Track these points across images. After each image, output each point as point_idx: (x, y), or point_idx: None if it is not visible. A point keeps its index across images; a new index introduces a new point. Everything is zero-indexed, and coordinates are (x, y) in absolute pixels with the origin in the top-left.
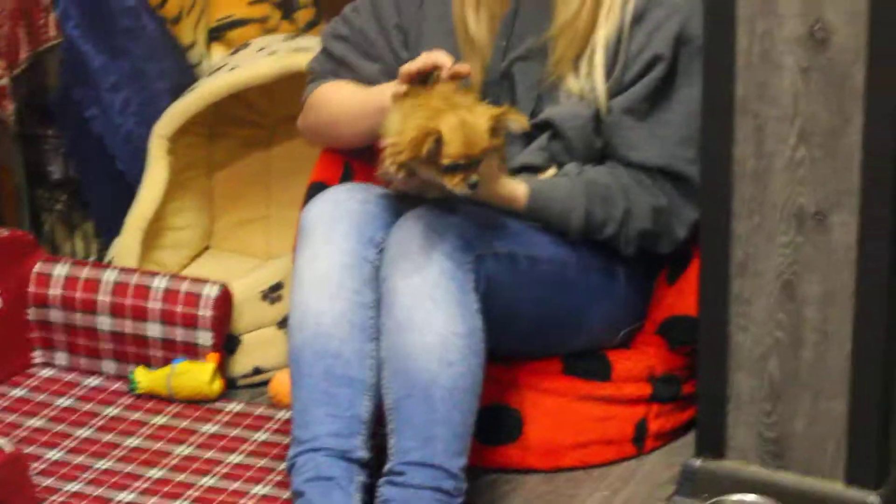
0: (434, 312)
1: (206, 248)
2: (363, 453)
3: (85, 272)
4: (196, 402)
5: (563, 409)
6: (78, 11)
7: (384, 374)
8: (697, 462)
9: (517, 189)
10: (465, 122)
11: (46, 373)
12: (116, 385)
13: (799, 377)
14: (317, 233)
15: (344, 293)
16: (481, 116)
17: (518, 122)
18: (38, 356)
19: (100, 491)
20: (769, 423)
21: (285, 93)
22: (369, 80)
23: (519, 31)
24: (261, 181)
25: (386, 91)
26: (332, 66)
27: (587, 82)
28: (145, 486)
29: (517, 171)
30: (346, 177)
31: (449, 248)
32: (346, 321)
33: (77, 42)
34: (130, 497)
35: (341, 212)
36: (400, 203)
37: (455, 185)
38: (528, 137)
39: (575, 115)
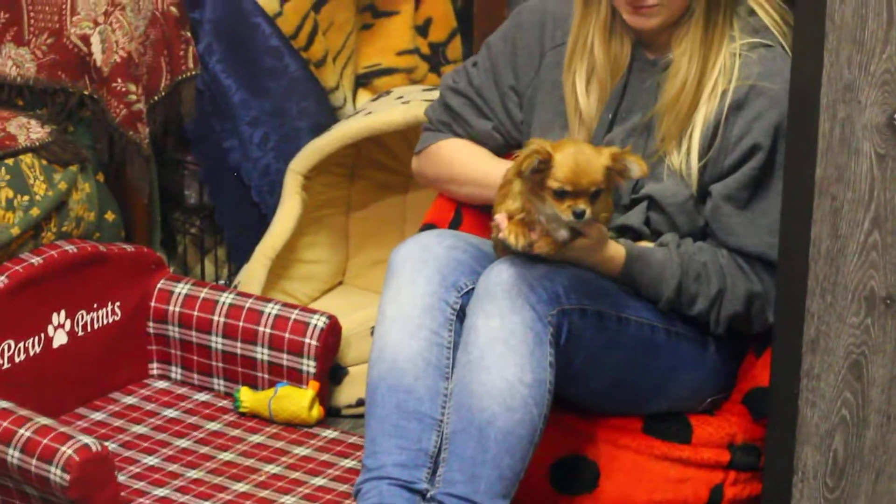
0: (506, 357)
1: (340, 283)
2: (426, 485)
3: (204, 293)
4: (295, 426)
5: (639, 467)
6: (221, 47)
7: (448, 406)
8: None
9: (617, 251)
10: (582, 151)
11: (160, 384)
12: (223, 402)
13: (862, 456)
14: (403, 273)
15: (423, 332)
16: (602, 153)
17: (638, 164)
18: (154, 368)
19: (185, 498)
20: (832, 499)
21: None
22: (482, 137)
23: (627, 104)
24: (395, 224)
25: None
26: (448, 118)
27: (685, 160)
28: (229, 498)
29: (615, 232)
30: (456, 221)
31: (534, 299)
32: (422, 359)
33: (219, 76)
34: None
35: (428, 255)
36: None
37: (562, 210)
38: (628, 207)
39: (675, 192)
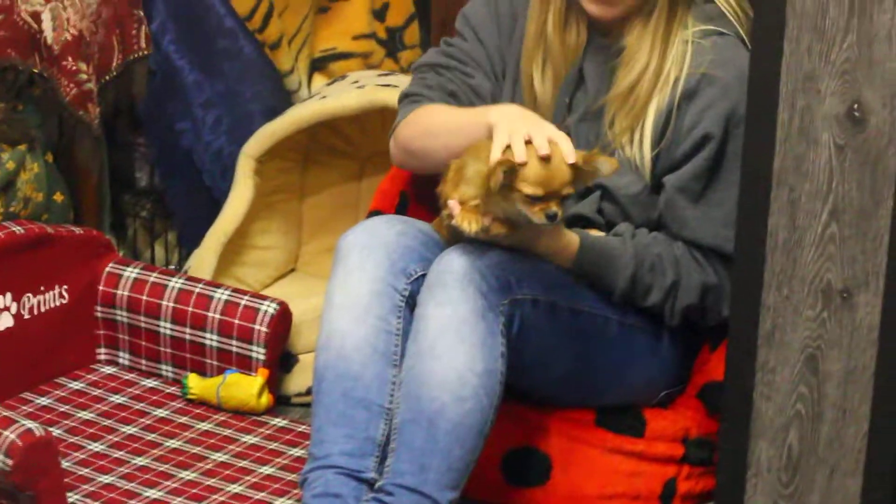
0: (457, 346)
1: (292, 270)
2: (373, 475)
3: (153, 277)
4: (243, 414)
5: (592, 460)
6: (175, 27)
7: (397, 395)
8: None
9: (570, 239)
10: (553, 153)
11: (108, 370)
12: (171, 389)
13: (817, 451)
14: (350, 259)
15: (370, 319)
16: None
17: (609, 162)
18: (102, 353)
19: (130, 485)
20: (786, 494)
21: (377, 127)
22: (482, 92)
23: (583, 89)
24: (349, 210)
25: (490, 111)
26: (436, 81)
27: (638, 151)
28: (175, 486)
29: (568, 222)
30: (402, 207)
31: (486, 287)
32: (370, 346)
33: (172, 57)
34: (158, 495)
35: (376, 241)
36: (447, 241)
37: (534, 213)
38: (581, 195)
39: (629, 183)
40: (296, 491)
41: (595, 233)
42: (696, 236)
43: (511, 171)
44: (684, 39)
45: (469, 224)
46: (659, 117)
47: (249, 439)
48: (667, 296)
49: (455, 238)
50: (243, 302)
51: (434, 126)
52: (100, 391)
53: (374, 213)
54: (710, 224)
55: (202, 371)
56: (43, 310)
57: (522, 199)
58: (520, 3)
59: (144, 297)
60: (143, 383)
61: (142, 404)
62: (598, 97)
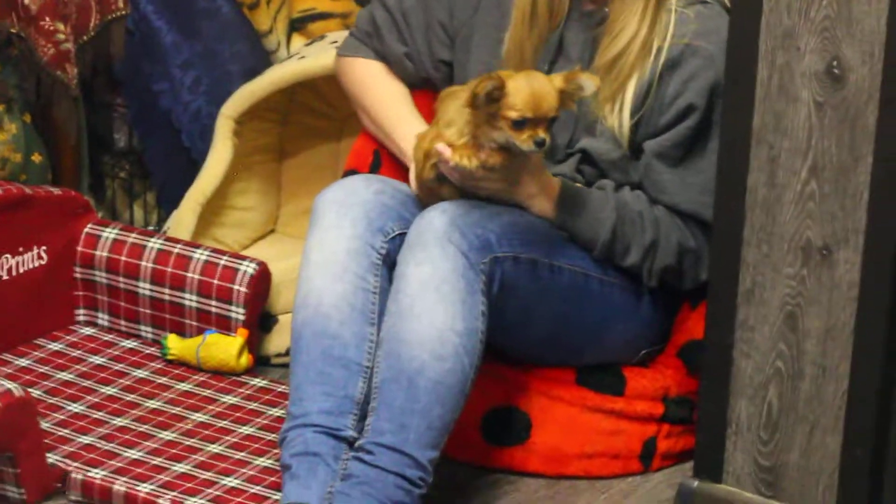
0: (437, 305)
1: (271, 231)
2: (352, 433)
3: (132, 238)
4: (223, 374)
5: (572, 419)
6: None
7: (377, 354)
8: (694, 484)
9: (552, 181)
10: (536, 78)
11: (87, 331)
12: (151, 350)
13: (796, 409)
14: (327, 217)
15: (347, 276)
16: (553, 78)
17: (591, 79)
18: (81, 314)
19: (109, 446)
20: (765, 452)
21: None
22: (392, 59)
23: (563, 56)
24: (328, 171)
25: (407, 139)
26: (370, 28)
27: (618, 119)
28: (154, 446)
29: None
30: (375, 165)
31: (466, 246)
32: (347, 304)
33: (150, 17)
34: (138, 455)
35: (353, 199)
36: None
37: (523, 140)
38: (562, 161)
39: (609, 149)
40: (276, 451)
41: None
42: (674, 202)
43: (496, 88)
44: (668, 8)
45: (467, 159)
46: (641, 87)
47: (229, 399)
48: (645, 255)
49: (433, 199)
50: (222, 262)
51: (369, 108)
52: (79, 352)
53: (349, 172)
54: (688, 189)
55: (181, 332)
56: (21, 271)
57: (510, 125)
58: None
59: (123, 258)
60: (123, 344)
61: (121, 365)
62: (578, 64)
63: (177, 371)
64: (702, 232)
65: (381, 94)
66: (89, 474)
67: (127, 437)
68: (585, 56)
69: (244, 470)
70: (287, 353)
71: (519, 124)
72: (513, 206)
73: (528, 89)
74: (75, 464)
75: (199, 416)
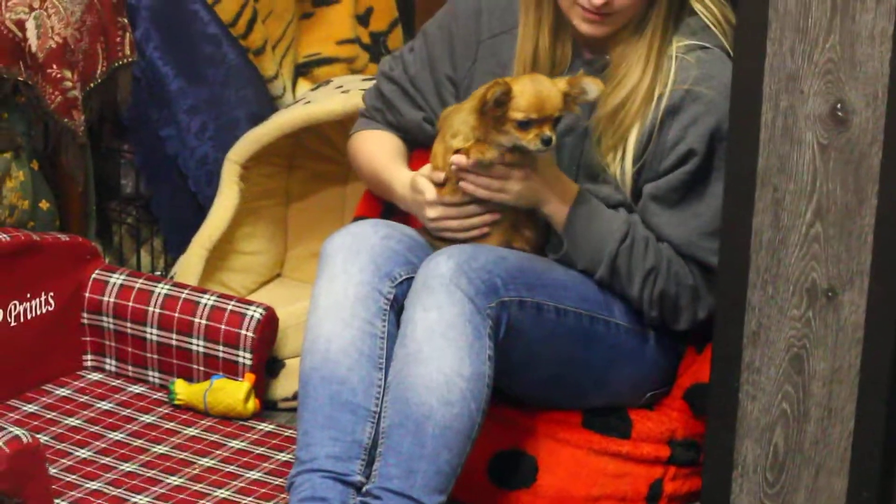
0: (444, 350)
1: (278, 275)
2: (360, 478)
3: (139, 283)
4: (230, 419)
5: (578, 462)
6: (159, 35)
7: (385, 399)
8: None
9: (571, 185)
10: (539, 80)
11: (94, 376)
12: (158, 395)
13: (802, 451)
14: (335, 262)
15: (356, 322)
16: (557, 81)
17: (594, 84)
18: (89, 360)
19: (117, 491)
20: (772, 494)
21: None
22: (411, 126)
23: None
24: (335, 215)
25: (400, 178)
26: (381, 104)
27: (620, 165)
28: (162, 491)
29: None
30: (387, 213)
31: (472, 291)
32: (355, 349)
33: (156, 63)
34: (145, 500)
35: (361, 245)
36: (431, 242)
37: (529, 140)
38: None
39: (611, 195)
40: (283, 495)
41: None
42: (671, 242)
43: (504, 93)
44: (669, 55)
45: (485, 152)
46: (642, 134)
47: (236, 444)
48: (646, 278)
49: (436, 240)
50: (230, 307)
51: (360, 168)
52: (86, 397)
53: (358, 218)
54: (685, 233)
55: (189, 377)
56: (29, 317)
57: (516, 127)
58: (484, 24)
59: (131, 304)
60: (130, 389)
61: (129, 410)
62: (586, 114)
63: (184, 416)
64: (701, 273)
65: (379, 149)
66: None
67: (135, 482)
68: (587, 106)
69: None
70: (294, 398)
71: (524, 125)
72: (530, 212)
73: (532, 91)
74: None
75: (206, 461)
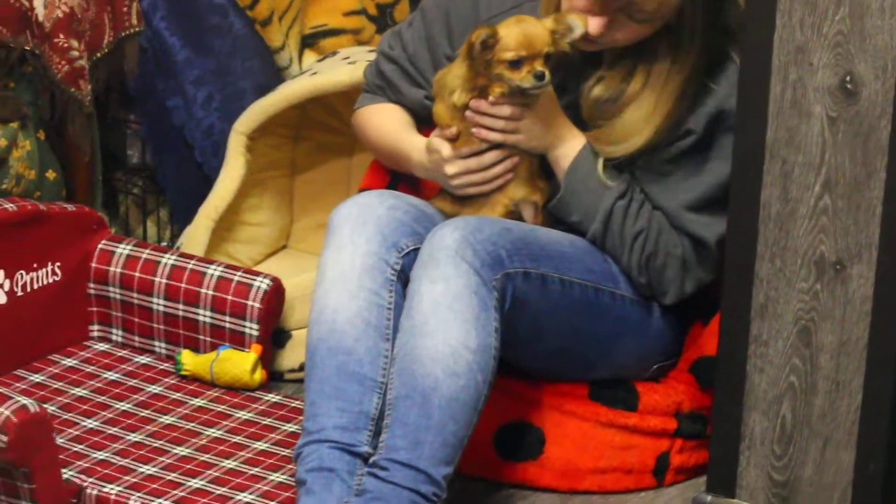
0: (450, 322)
1: (284, 246)
2: (367, 449)
3: (146, 254)
4: (237, 390)
5: (585, 434)
6: (165, 4)
7: (391, 371)
8: (708, 498)
9: (580, 136)
10: (524, 19)
11: (101, 346)
12: (165, 365)
13: (810, 423)
14: (342, 233)
15: (362, 293)
16: (543, 20)
17: (580, 20)
18: (95, 330)
19: (124, 461)
20: (779, 467)
21: None
22: (413, 105)
23: (559, 80)
24: (340, 186)
25: (415, 144)
26: (381, 82)
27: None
28: (169, 461)
29: None
30: (393, 185)
31: (478, 263)
32: (362, 320)
33: (163, 34)
34: (153, 470)
35: (368, 215)
36: (441, 209)
37: (522, 78)
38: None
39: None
40: (290, 466)
41: None
42: (662, 211)
43: (490, 35)
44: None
45: (496, 91)
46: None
47: (243, 415)
48: (634, 241)
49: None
50: (236, 278)
51: (371, 140)
52: (93, 368)
53: (363, 190)
54: (674, 203)
55: (195, 347)
56: (36, 287)
57: (507, 68)
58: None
59: (137, 274)
60: (137, 360)
61: (135, 381)
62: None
63: (191, 387)
64: (692, 246)
65: (389, 120)
66: (104, 490)
67: (142, 452)
68: (574, 88)
69: (259, 485)
70: (301, 369)
71: (516, 64)
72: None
73: (518, 30)
74: (90, 479)
75: (213, 432)
